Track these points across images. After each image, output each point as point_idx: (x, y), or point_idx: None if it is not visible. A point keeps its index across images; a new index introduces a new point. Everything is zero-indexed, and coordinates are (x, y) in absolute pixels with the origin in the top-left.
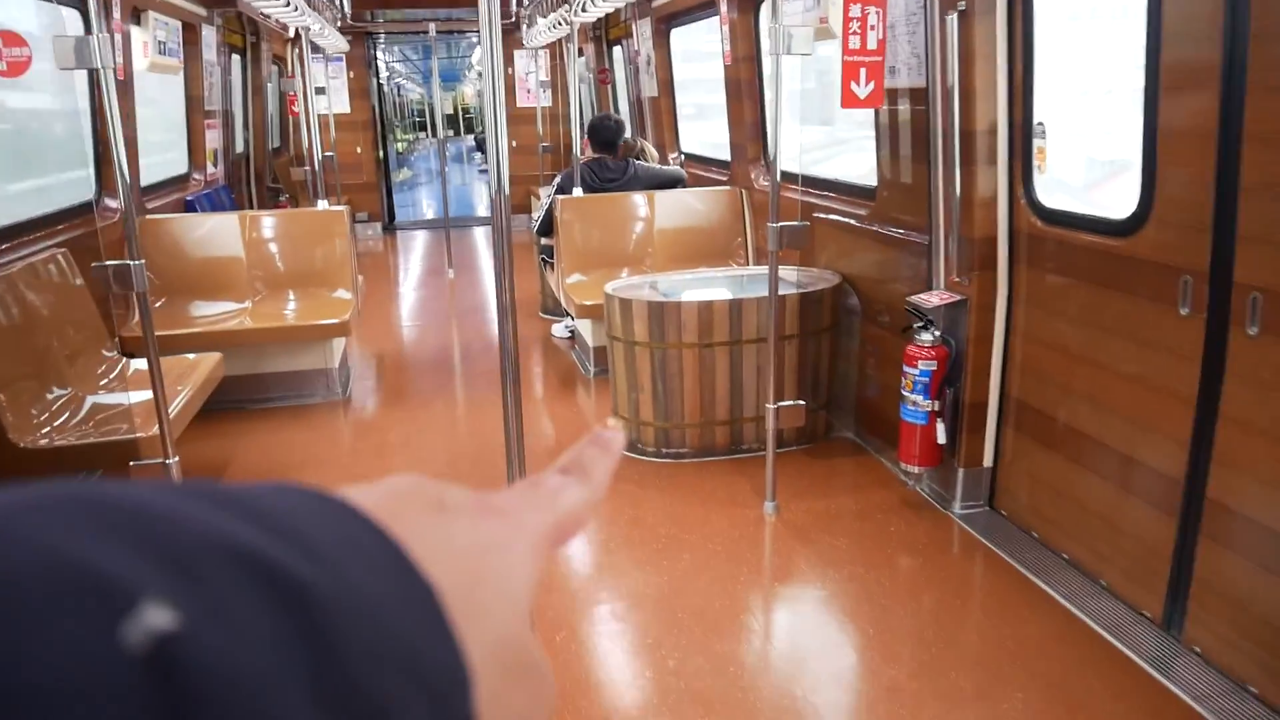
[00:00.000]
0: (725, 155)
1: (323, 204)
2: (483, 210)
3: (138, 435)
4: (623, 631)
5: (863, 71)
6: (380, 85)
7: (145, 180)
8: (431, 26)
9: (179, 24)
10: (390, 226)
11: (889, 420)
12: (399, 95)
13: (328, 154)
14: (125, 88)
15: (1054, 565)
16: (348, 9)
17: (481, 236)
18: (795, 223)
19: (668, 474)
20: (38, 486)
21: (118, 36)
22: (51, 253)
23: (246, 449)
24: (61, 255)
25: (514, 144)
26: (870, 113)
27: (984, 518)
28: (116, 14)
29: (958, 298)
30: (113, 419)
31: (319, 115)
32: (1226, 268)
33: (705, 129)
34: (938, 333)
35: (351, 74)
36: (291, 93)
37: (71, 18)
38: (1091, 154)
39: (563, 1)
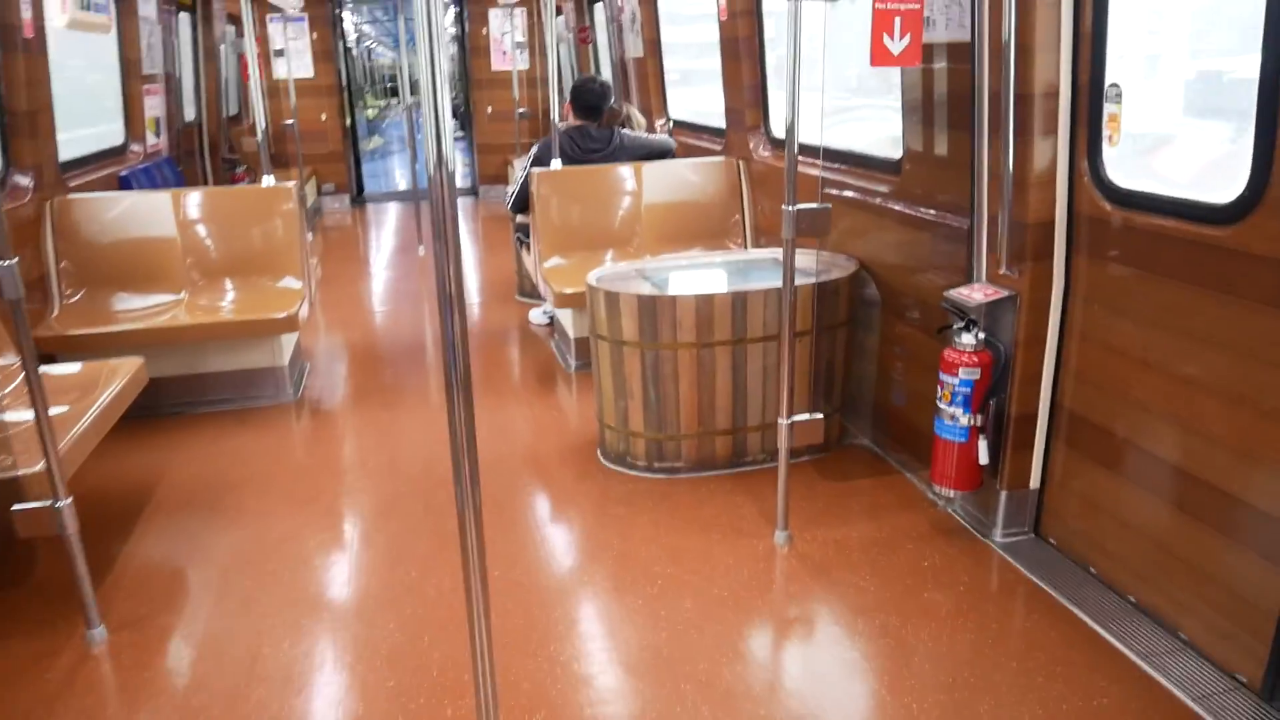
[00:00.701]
0: (717, 123)
1: (269, 179)
2: (460, 180)
3: (18, 473)
4: (615, 716)
5: (897, 21)
6: (348, 48)
7: (71, 154)
8: None
9: None
10: (359, 198)
11: (915, 430)
12: (370, 59)
13: (288, 122)
14: (35, 46)
15: (1117, 609)
16: None
17: (460, 209)
18: (815, 204)
19: (661, 493)
20: None
21: None
22: None
23: (178, 465)
24: None
25: (489, 110)
26: (882, 76)
27: (1029, 547)
28: None
29: (1006, 293)
30: None
31: (278, 80)
32: None
33: (690, 95)
34: (981, 335)
35: (315, 35)
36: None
37: None
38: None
39: None
